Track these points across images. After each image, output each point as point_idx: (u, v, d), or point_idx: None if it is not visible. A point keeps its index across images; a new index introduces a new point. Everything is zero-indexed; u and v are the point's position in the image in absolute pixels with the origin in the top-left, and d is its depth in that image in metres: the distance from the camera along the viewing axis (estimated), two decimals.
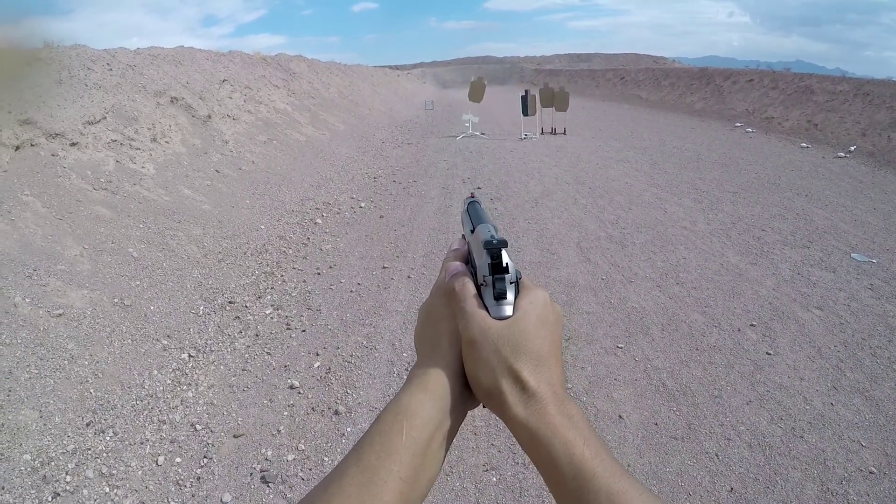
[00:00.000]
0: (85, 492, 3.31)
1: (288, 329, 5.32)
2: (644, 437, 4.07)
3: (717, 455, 3.90)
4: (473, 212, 0.90)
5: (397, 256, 7.18)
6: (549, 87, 20.95)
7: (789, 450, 3.96)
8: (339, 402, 4.34)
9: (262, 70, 16.28)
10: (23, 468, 3.31)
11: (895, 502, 3.56)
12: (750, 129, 20.29)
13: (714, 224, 8.74)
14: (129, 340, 4.62)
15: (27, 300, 4.50)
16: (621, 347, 5.19)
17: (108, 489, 3.37)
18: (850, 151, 15.02)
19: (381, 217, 8.84)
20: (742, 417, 4.29)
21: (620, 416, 4.27)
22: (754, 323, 5.64)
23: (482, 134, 18.69)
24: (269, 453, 3.77)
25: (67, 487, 3.31)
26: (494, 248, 0.73)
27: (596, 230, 8.39)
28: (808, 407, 4.42)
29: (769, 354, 5.11)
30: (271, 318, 5.50)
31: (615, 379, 4.73)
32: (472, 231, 0.82)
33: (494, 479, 3.68)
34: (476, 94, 19.97)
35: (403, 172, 12.37)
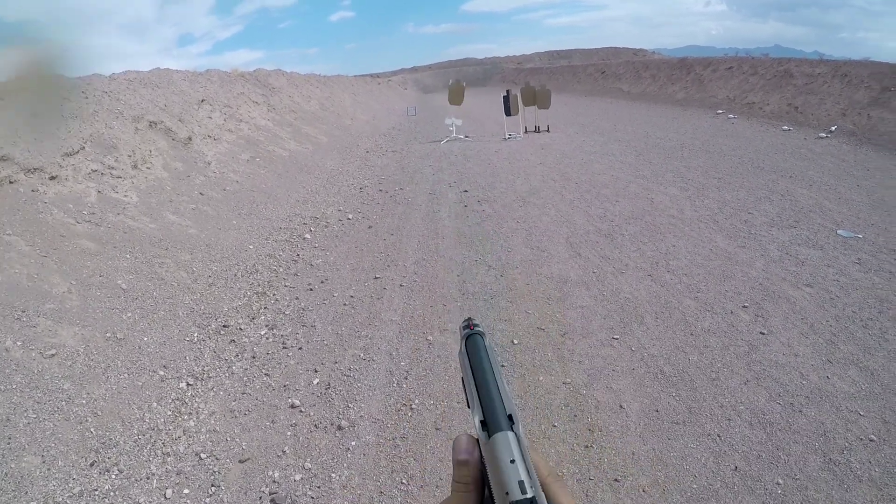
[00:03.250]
0: None
1: (284, 348, 5.34)
2: (646, 424, 4.16)
3: (719, 436, 3.99)
4: (477, 363, 0.76)
5: (388, 266, 7.24)
6: (531, 85, 21.09)
7: (789, 425, 4.07)
8: (341, 416, 4.37)
9: (241, 87, 16.25)
10: None
11: None
12: (732, 116, 20.50)
13: (701, 210, 8.87)
14: (126, 374, 4.59)
15: (18, 343, 4.45)
16: (617, 338, 5.28)
17: None
18: (831, 132, 15.21)
19: (370, 227, 8.90)
20: (741, 397, 4.39)
21: (621, 406, 4.35)
22: (746, 304, 5.75)
23: (466, 137, 18.77)
24: (277, 475, 3.78)
25: None
26: None
27: (584, 224, 8.50)
28: (804, 382, 4.53)
29: (763, 334, 5.22)
30: (267, 338, 5.52)
31: (613, 370, 4.81)
32: (479, 403, 0.70)
33: None
34: (456, 97, 20.04)
35: (389, 181, 12.44)
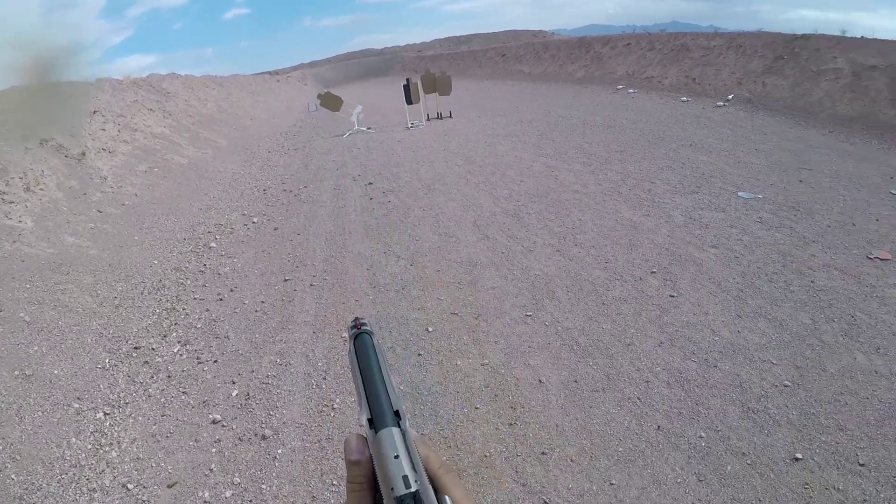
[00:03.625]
0: None
1: (200, 363, 5.20)
2: (566, 395, 4.23)
3: (639, 399, 4.11)
4: (365, 362, 0.76)
5: (297, 267, 7.13)
6: (431, 72, 21.04)
7: (706, 380, 4.23)
8: (264, 426, 4.31)
9: (135, 94, 15.65)
10: None
11: (813, 408, 3.88)
12: (632, 90, 21.05)
13: (605, 184, 9.06)
14: (40, 412, 4.40)
15: None
16: (530, 315, 5.34)
17: None
18: (728, 100, 15.83)
19: (276, 229, 8.73)
20: (657, 359, 4.53)
21: (540, 381, 4.42)
22: (654, 270, 5.93)
23: (369, 129, 18.61)
24: (207, 495, 3.71)
25: None
26: None
27: (491, 207, 8.55)
28: (717, 338, 4.72)
29: (673, 297, 5.39)
30: (180, 355, 5.36)
31: (529, 346, 4.88)
32: (366, 401, 0.70)
33: None
34: (333, 104, 19.75)
35: (293, 179, 12.22)
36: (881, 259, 5.74)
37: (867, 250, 5.93)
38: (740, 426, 3.78)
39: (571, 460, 3.64)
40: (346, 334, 5.14)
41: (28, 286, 6.05)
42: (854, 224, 6.59)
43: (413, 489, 0.59)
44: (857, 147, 10.30)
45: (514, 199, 8.79)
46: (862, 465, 3.42)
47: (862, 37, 15.34)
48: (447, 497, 0.62)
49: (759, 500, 3.26)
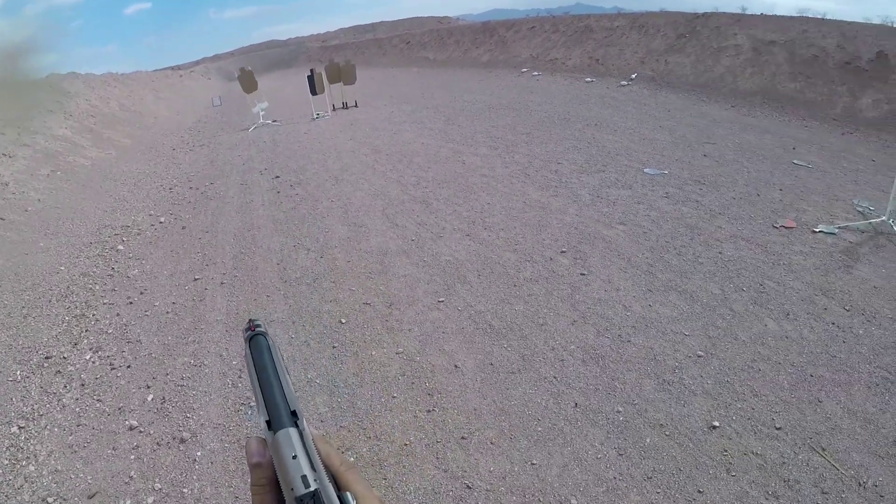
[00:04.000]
0: None
1: (113, 369, 5.02)
2: (483, 379, 4.24)
3: (555, 377, 4.15)
4: (260, 364, 0.76)
5: (206, 265, 6.93)
6: (335, 62, 20.85)
7: (620, 355, 4.31)
8: (182, 428, 4.22)
9: (33, 96, 14.99)
10: None
11: (727, 376, 4.02)
12: (536, 73, 21.35)
13: (512, 167, 9.13)
14: None
15: None
16: (442, 301, 5.34)
17: None
18: (631, 79, 16.22)
19: (184, 228, 8.45)
20: (570, 337, 4.59)
21: (456, 366, 4.42)
22: (564, 249, 6.01)
23: (274, 121, 18.27)
24: (129, 503, 3.62)
25: None
26: None
27: (399, 195, 8.50)
28: (628, 313, 4.82)
29: (583, 275, 5.47)
30: (93, 362, 5.16)
31: (443, 332, 4.87)
32: (263, 402, 0.70)
33: (351, 458, 3.56)
34: (248, 84, 19.50)
35: (199, 176, 11.87)
36: (786, 227, 5.98)
37: (772, 219, 6.17)
38: (657, 398, 3.87)
39: (492, 443, 3.65)
40: (241, 337, 5.08)
41: None
42: (759, 195, 6.84)
43: (312, 488, 0.59)
44: (758, 120, 10.73)
45: (422, 186, 8.77)
46: (778, 428, 3.55)
47: (761, 13, 15.99)
48: (349, 494, 0.61)
49: (680, 470, 3.33)
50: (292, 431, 0.66)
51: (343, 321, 5.26)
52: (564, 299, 5.11)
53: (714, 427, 3.60)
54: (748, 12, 16.46)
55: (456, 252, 6.32)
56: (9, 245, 7.61)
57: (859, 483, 3.16)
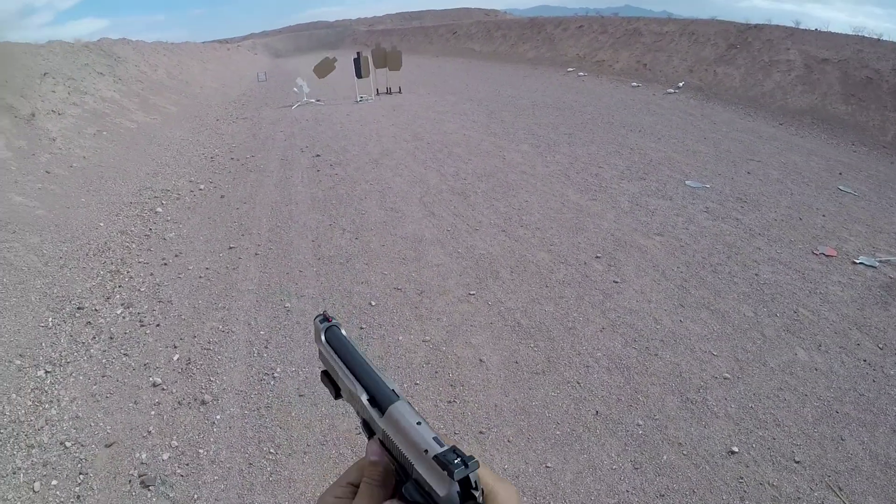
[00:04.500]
0: None
1: (142, 326, 5.13)
2: (507, 376, 4.25)
3: (578, 383, 4.14)
4: (346, 352, 0.76)
5: (242, 235, 7.02)
6: (382, 47, 20.99)
7: (646, 368, 4.28)
8: (204, 391, 4.30)
9: (86, 58, 15.27)
10: None
11: (751, 402, 3.96)
12: (582, 73, 21.23)
13: (552, 166, 9.10)
14: None
15: None
16: (473, 294, 5.35)
17: None
18: (678, 87, 16.07)
19: (222, 197, 8.54)
20: (598, 344, 4.57)
21: (481, 360, 4.43)
22: (599, 255, 5.98)
23: (318, 101, 18.39)
24: (144, 456, 3.71)
25: None
26: (461, 471, 0.57)
27: (438, 184, 8.52)
28: (658, 326, 4.78)
29: (616, 283, 5.44)
30: (123, 317, 5.28)
31: (471, 325, 4.88)
32: (361, 385, 0.71)
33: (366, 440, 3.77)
34: (322, 70, 19.73)
35: (241, 148, 11.98)
36: (826, 255, 5.89)
37: (813, 246, 6.08)
38: (678, 416, 3.84)
39: (509, 441, 3.66)
40: (288, 304, 5.28)
41: None
42: (801, 218, 6.75)
43: (448, 445, 0.59)
44: (806, 140, 10.58)
45: (462, 178, 8.77)
46: (798, 462, 3.50)
47: (816, 29, 15.70)
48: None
49: (694, 492, 3.31)
50: (404, 404, 0.66)
51: (373, 303, 5.30)
52: (595, 305, 5.10)
53: (733, 452, 3.56)
54: (802, 26, 16.18)
55: (490, 246, 6.32)
56: (52, 198, 7.74)
57: None
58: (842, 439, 3.66)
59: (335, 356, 0.76)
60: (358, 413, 0.73)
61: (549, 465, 3.50)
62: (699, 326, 4.78)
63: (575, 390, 4.06)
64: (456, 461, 0.57)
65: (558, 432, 3.72)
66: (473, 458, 0.58)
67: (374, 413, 0.68)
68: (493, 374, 4.27)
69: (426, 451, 0.59)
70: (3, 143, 8.59)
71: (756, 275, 5.54)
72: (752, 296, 5.21)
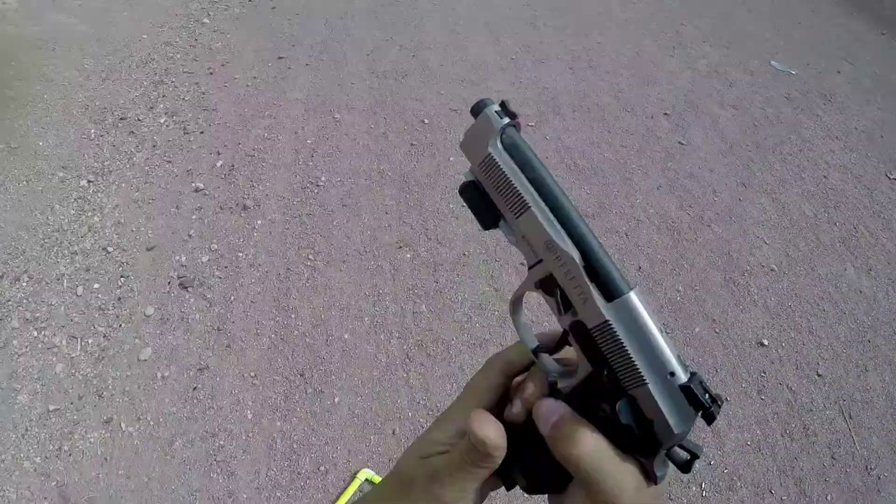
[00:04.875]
0: (15, 343, 3.40)
1: (186, 134, 5.10)
2: None
3: (626, 234, 4.08)
4: (539, 178, 0.57)
5: (293, 46, 6.71)
6: None
7: (696, 237, 4.19)
8: (246, 196, 4.38)
9: None
10: None
11: (791, 301, 3.90)
12: None
13: (631, 12, 8.54)
14: (24, 182, 4.47)
15: None
16: (532, 125, 5.18)
17: (35, 333, 3.45)
18: None
19: (274, 8, 8.08)
20: (652, 201, 4.46)
21: None
22: (668, 112, 5.71)
23: None
24: (184, 259, 3.88)
25: None
26: (716, 411, 0.49)
27: (506, 11, 8.02)
28: (716, 199, 4.63)
29: (681, 144, 5.23)
30: (167, 125, 5.23)
31: None
32: (570, 240, 0.54)
33: (409, 255, 3.91)
34: None
35: None
36: None
37: (888, 168, 5.76)
38: (718, 293, 3.80)
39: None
40: (337, 115, 5.21)
41: (13, 64, 5.84)
42: (882, 136, 6.37)
43: (691, 369, 0.50)
44: None
45: (532, 8, 8.23)
46: (819, 375, 3.50)
47: None
48: None
49: (717, 371, 3.37)
50: (641, 295, 0.52)
51: (426, 122, 5.18)
52: (656, 162, 4.91)
53: (762, 344, 3.56)
54: None
55: (555, 82, 6.02)
56: (93, 13, 7.42)
57: (867, 467, 3.13)
58: (865, 369, 3.61)
59: (520, 175, 0.56)
60: (533, 256, 0.56)
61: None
62: (757, 211, 4.61)
63: (622, 241, 4.02)
64: (706, 398, 0.48)
65: None
66: (720, 396, 0.49)
67: (594, 292, 0.51)
68: None
69: (671, 373, 0.49)
70: None
71: (825, 177, 5.28)
72: (816, 196, 4.99)
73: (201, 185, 4.46)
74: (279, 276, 3.74)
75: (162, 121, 5.27)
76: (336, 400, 3.22)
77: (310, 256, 3.87)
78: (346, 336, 3.49)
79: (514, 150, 0.57)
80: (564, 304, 0.55)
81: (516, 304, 0.63)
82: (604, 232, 4.03)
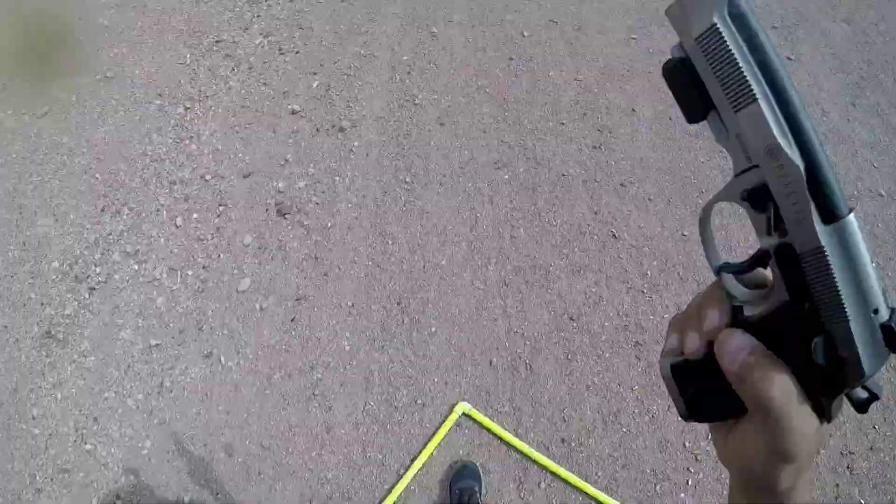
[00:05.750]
0: (117, 277, 3.47)
1: (281, 54, 5.08)
2: (657, 130, 4.05)
3: (729, 159, 3.85)
4: (770, 63, 0.43)
5: None
6: None
7: None
8: (342, 117, 4.33)
9: None
10: (54, 276, 3.49)
11: None
12: None
13: None
14: (122, 112, 4.48)
15: (9, 111, 4.46)
16: (634, 38, 4.97)
17: (136, 266, 3.51)
18: None
19: None
20: None
21: (633, 109, 4.22)
22: (776, 25, 5.39)
23: None
24: (281, 185, 3.89)
25: (100, 279, 3.45)
26: None
27: None
28: (824, 119, 4.39)
29: (790, 59, 4.97)
30: (262, 46, 5.22)
31: (628, 70, 4.60)
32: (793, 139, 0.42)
33: (506, 176, 3.82)
34: None
35: None
36: None
37: None
38: None
39: (649, 199, 3.59)
40: (434, 29, 5.26)
41: None
42: None
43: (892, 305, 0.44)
44: None
45: None
46: None
47: None
48: None
49: None
50: (858, 221, 0.44)
51: (526, 34, 5.02)
52: None
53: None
54: None
55: None
56: None
57: None
58: None
59: (749, 57, 0.43)
60: (746, 160, 0.47)
61: (685, 233, 3.39)
62: (867, 132, 4.35)
63: (725, 161, 3.78)
64: None
65: (700, 201, 3.55)
66: None
67: (813, 211, 0.43)
68: (644, 126, 4.06)
69: (876, 310, 0.42)
70: None
71: None
72: None
73: (297, 107, 4.43)
74: (376, 201, 3.72)
75: (257, 41, 5.26)
76: (433, 329, 3.19)
77: (406, 179, 3.85)
78: (443, 262, 3.45)
79: (743, 25, 0.44)
80: (775, 222, 0.46)
81: (708, 214, 0.54)
82: (708, 151, 3.89)
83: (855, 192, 3.86)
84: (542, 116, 4.24)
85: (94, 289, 3.39)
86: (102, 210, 3.78)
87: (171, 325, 3.27)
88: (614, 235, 3.45)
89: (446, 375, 3.03)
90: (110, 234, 3.64)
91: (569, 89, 4.47)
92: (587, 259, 3.45)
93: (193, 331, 3.24)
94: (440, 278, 3.39)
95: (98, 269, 3.48)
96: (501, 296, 3.32)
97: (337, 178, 3.89)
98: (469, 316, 3.25)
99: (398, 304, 3.30)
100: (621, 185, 3.71)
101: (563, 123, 4.15)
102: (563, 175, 3.80)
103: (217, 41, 5.25)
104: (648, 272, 3.38)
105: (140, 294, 3.37)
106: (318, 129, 4.25)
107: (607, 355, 3.10)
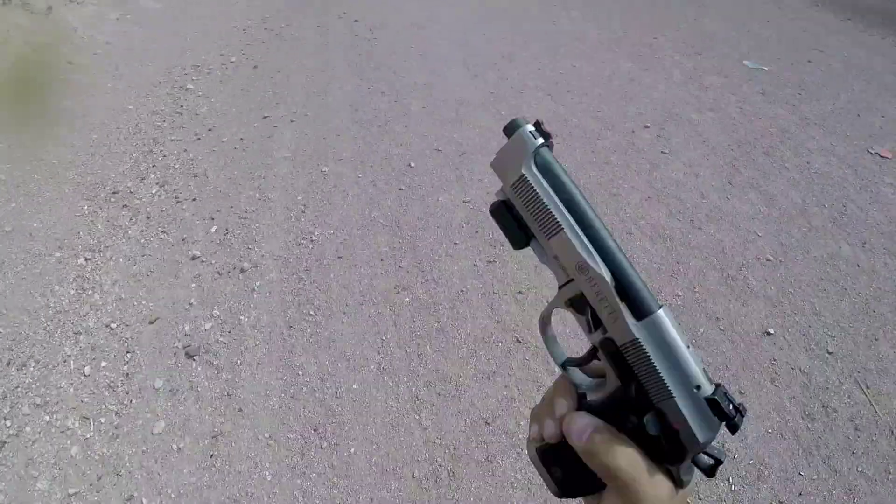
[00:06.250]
0: (28, 429, 3.35)
1: (178, 202, 5.13)
2: None
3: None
4: (570, 198, 0.59)
5: (277, 104, 6.81)
6: None
7: (689, 241, 4.22)
8: (242, 259, 4.40)
9: None
10: None
11: (791, 287, 3.93)
12: None
13: (605, 34, 8.68)
14: (22, 266, 4.45)
15: None
16: None
17: (47, 417, 3.40)
18: None
19: (255, 67, 8.19)
20: (641, 212, 4.49)
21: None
22: (648, 124, 5.78)
23: None
24: (187, 328, 3.87)
25: (11, 432, 3.33)
26: (738, 421, 0.53)
27: (482, 47, 8.16)
28: (704, 201, 4.67)
29: (664, 153, 5.29)
30: (159, 195, 5.26)
31: None
32: (615, 283, 0.56)
33: (407, 298, 3.92)
34: None
35: (275, 18, 11.41)
36: (881, 156, 5.64)
37: (868, 144, 5.82)
38: (718, 291, 3.83)
39: (546, 301, 3.61)
40: (325, 168, 5.37)
41: (2, 146, 5.86)
42: (858, 115, 6.43)
43: (715, 381, 0.53)
44: (874, 39, 9.98)
45: (508, 41, 8.40)
46: (830, 353, 3.53)
47: None
48: None
49: (727, 367, 3.36)
50: (669, 312, 0.54)
51: (412, 165, 5.25)
52: (641, 174, 4.97)
53: (769, 334, 3.58)
54: None
55: (536, 111, 6.12)
56: (77, 88, 7.50)
57: (892, 430, 3.12)
58: (875, 339, 3.64)
59: (554, 197, 0.58)
60: (564, 275, 0.60)
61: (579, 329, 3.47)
62: (746, 206, 4.67)
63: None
64: (730, 408, 0.51)
65: None
66: (743, 405, 0.53)
67: (624, 311, 0.54)
68: None
69: (697, 387, 0.51)
70: (22, 41, 8.26)
71: (808, 163, 5.34)
72: (801, 183, 5.05)
73: (198, 253, 4.48)
74: (282, 335, 3.76)
75: (154, 191, 5.31)
76: (352, 450, 3.21)
77: (310, 312, 3.91)
78: (354, 386, 3.49)
79: (547, 171, 0.60)
80: (594, 322, 0.58)
81: (545, 321, 0.67)
82: None
83: (744, 262, 4.08)
84: (435, 239, 4.39)
85: (6, 442, 3.30)
86: (8, 363, 3.70)
87: (89, 472, 3.20)
88: (518, 340, 3.56)
89: (371, 493, 3.03)
90: (17, 386, 3.57)
91: (459, 211, 4.67)
92: (495, 365, 3.53)
93: (112, 476, 3.18)
94: (353, 402, 3.42)
95: (8, 423, 3.39)
96: (416, 410, 3.37)
97: (242, 317, 3.91)
98: (386, 434, 3.27)
99: (315, 430, 3.30)
100: (519, 292, 3.85)
101: (455, 243, 4.31)
102: (462, 291, 3.93)
103: (114, 192, 5.28)
104: (556, 370, 3.46)
105: (53, 444, 3.30)
106: (219, 273, 4.29)
107: (526, 452, 3.15)
